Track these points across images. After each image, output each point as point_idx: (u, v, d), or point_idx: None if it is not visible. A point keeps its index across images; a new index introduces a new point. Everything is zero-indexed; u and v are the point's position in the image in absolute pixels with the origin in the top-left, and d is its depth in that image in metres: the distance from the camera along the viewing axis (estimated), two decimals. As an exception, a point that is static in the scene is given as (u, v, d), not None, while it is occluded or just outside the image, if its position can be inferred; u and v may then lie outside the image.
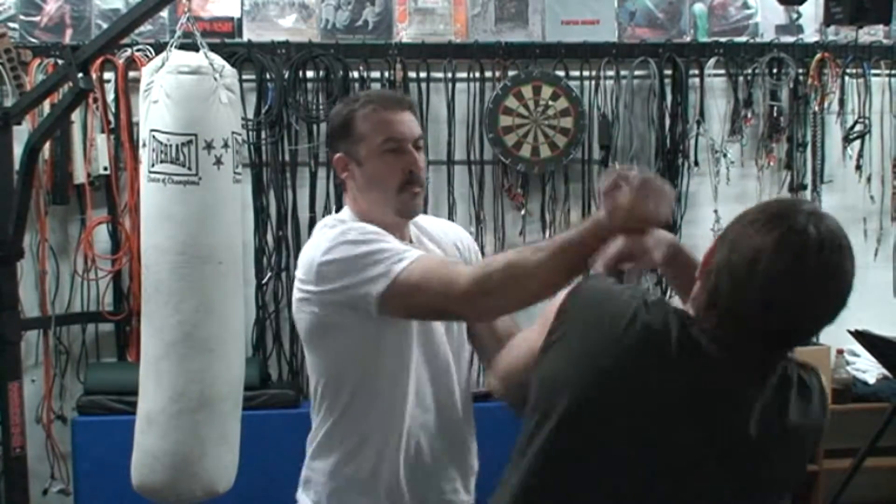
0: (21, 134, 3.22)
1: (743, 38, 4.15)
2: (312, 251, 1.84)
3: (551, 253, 1.62)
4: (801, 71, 4.14)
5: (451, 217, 3.91)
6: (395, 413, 1.88)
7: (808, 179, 4.18)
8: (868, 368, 4.08)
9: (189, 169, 2.62)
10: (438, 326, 1.92)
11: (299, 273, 1.88)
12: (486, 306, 1.72)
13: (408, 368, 1.88)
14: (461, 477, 1.99)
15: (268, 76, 3.87)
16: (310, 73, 3.92)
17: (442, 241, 2.04)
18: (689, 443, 1.33)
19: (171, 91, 2.62)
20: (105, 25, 3.66)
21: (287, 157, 3.94)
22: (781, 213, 1.32)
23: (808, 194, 4.16)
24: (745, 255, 1.30)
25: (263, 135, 3.90)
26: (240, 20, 3.94)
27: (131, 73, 3.76)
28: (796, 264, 1.28)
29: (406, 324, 1.85)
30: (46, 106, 3.50)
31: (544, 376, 1.43)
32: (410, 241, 1.95)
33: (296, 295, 1.89)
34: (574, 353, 1.39)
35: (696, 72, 4.11)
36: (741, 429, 1.33)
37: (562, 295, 1.50)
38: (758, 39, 4.16)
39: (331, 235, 1.83)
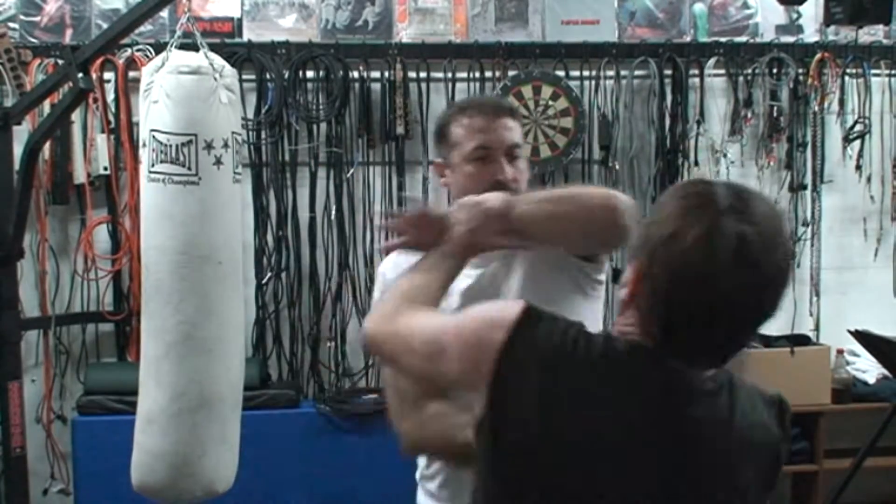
0: (21, 134, 3.22)
1: (743, 38, 4.15)
2: None
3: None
4: (801, 71, 4.14)
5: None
6: None
7: (808, 179, 4.18)
8: (868, 368, 4.08)
9: (189, 169, 2.62)
10: None
11: None
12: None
13: None
14: None
15: (268, 76, 3.86)
16: (310, 73, 3.92)
17: None
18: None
19: (171, 91, 2.62)
20: (105, 25, 3.66)
21: (287, 157, 3.94)
22: (703, 212, 1.22)
23: (808, 194, 4.17)
24: (694, 267, 1.19)
25: (263, 135, 3.90)
26: (240, 20, 3.94)
27: (131, 73, 3.76)
28: (743, 262, 1.20)
29: None
30: (46, 106, 3.50)
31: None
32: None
33: None
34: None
35: (696, 72, 4.10)
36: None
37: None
38: (758, 39, 4.16)
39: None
